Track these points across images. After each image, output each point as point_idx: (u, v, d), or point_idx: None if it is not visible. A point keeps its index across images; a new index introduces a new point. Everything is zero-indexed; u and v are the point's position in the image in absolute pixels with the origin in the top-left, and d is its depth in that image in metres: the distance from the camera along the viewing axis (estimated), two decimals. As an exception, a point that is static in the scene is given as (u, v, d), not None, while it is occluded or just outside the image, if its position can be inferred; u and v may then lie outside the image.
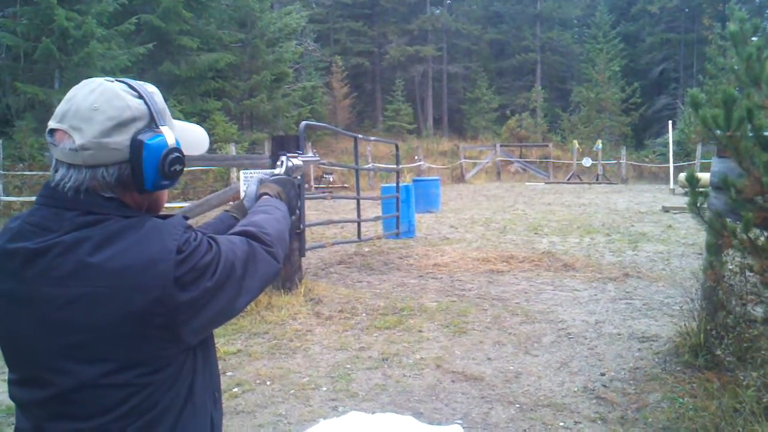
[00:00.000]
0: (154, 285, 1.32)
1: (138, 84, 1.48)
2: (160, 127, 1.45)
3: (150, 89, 1.50)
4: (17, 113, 20.63)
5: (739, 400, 4.03)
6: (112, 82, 1.45)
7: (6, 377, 1.46)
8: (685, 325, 5.38)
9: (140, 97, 1.45)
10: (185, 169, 1.57)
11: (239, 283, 1.48)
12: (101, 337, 1.33)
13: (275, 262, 1.62)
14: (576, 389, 4.79)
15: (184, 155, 1.50)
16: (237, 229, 1.65)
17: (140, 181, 1.42)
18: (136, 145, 1.40)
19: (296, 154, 2.23)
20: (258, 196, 1.96)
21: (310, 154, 2.38)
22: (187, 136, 1.61)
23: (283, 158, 2.15)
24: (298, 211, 2.07)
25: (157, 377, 1.38)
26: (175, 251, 1.35)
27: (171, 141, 1.45)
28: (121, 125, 1.39)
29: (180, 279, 1.34)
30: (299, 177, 2.21)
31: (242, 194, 7.33)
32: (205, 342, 1.54)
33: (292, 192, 2.03)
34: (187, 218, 1.51)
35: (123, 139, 1.39)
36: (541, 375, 5.11)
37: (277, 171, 2.12)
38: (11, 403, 1.45)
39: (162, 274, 1.33)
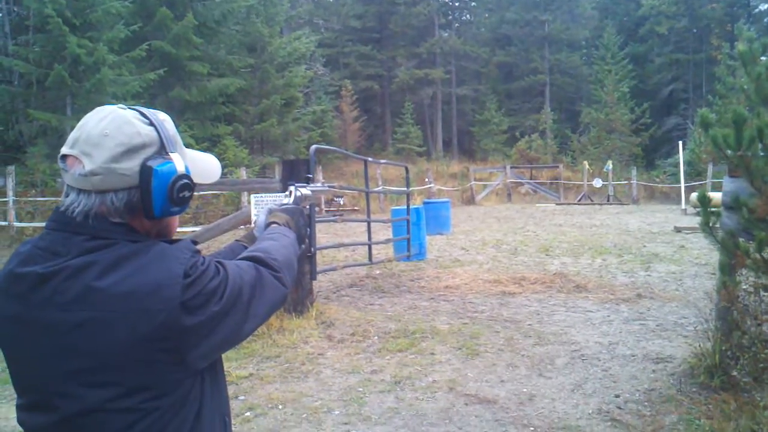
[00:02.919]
0: (161, 309, 1.31)
1: (150, 112, 1.49)
2: (170, 153, 1.45)
3: (161, 117, 1.51)
4: (30, 140, 20.85)
5: (756, 422, 3.99)
6: (124, 109, 1.46)
7: (15, 402, 1.46)
8: (699, 345, 5.34)
9: (151, 124, 1.46)
10: (197, 193, 1.58)
11: (246, 308, 1.47)
12: (107, 362, 1.32)
13: (283, 288, 1.61)
14: (590, 411, 4.75)
15: (193, 182, 1.49)
16: (245, 254, 1.65)
17: (149, 206, 1.42)
18: (145, 171, 1.40)
19: (305, 184, 2.24)
20: (267, 225, 1.96)
21: (320, 183, 2.38)
22: (199, 164, 1.62)
23: (292, 188, 2.17)
24: (307, 240, 2.08)
25: (163, 402, 1.37)
26: (182, 275, 1.35)
27: (180, 167, 1.46)
28: (130, 151, 1.40)
29: (187, 303, 1.33)
30: (308, 206, 2.24)
31: (253, 218, 7.30)
32: (213, 366, 1.53)
33: (301, 221, 2.03)
34: (195, 243, 1.51)
35: (132, 165, 1.40)
36: (555, 397, 5.07)
37: (285, 201, 2.13)
38: (21, 429, 1.44)
39: (168, 299, 1.32)
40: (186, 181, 1.46)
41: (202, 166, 1.65)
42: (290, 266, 1.71)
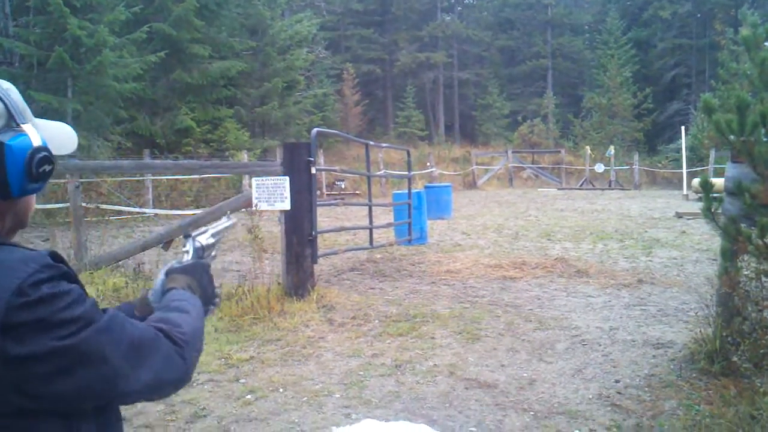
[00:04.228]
0: None
1: None
2: (21, 125, 1.29)
3: (6, 86, 1.32)
4: (30, 121, 20.77)
5: (756, 407, 4.00)
6: None
7: None
8: (700, 331, 5.34)
9: None
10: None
11: (124, 364, 1.25)
12: None
13: (183, 365, 1.38)
14: (590, 396, 4.76)
15: (52, 154, 1.33)
16: (146, 323, 1.42)
17: (4, 186, 1.25)
18: None
19: (204, 230, 1.87)
20: (165, 290, 1.66)
21: (224, 219, 2.01)
22: (54, 135, 1.42)
23: (188, 242, 1.80)
24: (217, 300, 1.78)
25: None
26: (14, 292, 1.13)
27: (36, 140, 1.29)
28: None
29: (14, 327, 1.12)
30: (213, 254, 1.87)
31: (254, 201, 7.07)
32: (101, 418, 1.33)
33: (205, 279, 1.73)
34: (59, 259, 1.27)
35: None
36: (555, 382, 5.08)
37: (185, 258, 1.77)
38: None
39: None
40: (45, 153, 1.30)
41: (58, 136, 1.45)
42: (196, 344, 1.47)
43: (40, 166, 1.28)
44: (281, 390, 4.98)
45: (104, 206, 14.85)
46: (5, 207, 1.30)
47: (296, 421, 4.41)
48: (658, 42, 49.46)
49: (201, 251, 1.79)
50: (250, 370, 5.46)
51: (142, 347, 1.28)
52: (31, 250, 1.27)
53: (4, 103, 1.27)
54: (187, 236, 1.78)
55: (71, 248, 8.99)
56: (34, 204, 1.41)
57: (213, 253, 1.85)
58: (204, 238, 1.81)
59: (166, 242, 8.31)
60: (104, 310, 1.29)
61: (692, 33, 48.75)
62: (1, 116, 1.26)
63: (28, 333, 1.13)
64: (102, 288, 7.74)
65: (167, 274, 1.69)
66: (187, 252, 1.77)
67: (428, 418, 4.36)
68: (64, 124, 1.52)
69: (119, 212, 16.61)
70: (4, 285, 1.13)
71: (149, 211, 17.28)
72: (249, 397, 4.86)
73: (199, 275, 1.70)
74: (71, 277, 1.25)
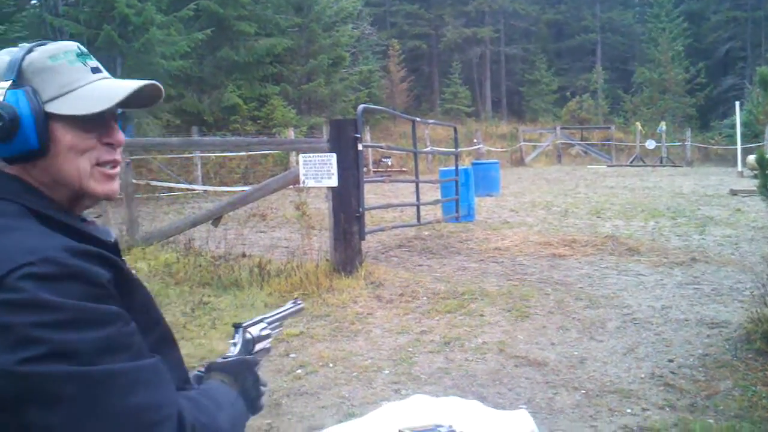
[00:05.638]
0: None
1: (49, 42, 1.26)
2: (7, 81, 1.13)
3: (46, 48, 1.24)
4: (81, 100, 21.20)
5: (816, 389, 3.91)
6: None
7: None
8: (756, 311, 5.23)
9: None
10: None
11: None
12: None
13: None
14: (643, 375, 4.70)
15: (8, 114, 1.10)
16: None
17: None
18: None
19: (258, 319, 1.57)
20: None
21: (290, 303, 1.74)
22: (86, 92, 1.27)
23: (237, 333, 1.50)
24: (260, 407, 1.45)
25: None
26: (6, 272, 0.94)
27: None
28: None
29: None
30: (267, 347, 1.56)
31: (301, 177, 7.04)
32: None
33: (249, 380, 1.41)
34: (80, 253, 1.03)
35: None
36: (607, 361, 5.02)
37: (231, 351, 1.48)
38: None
39: None
40: None
41: (87, 93, 1.28)
42: None
43: None
44: (331, 365, 5.02)
45: (155, 183, 15.06)
46: (40, 168, 1.15)
47: (346, 396, 4.45)
48: (711, 15, 48.19)
49: (251, 344, 1.51)
50: (300, 345, 5.51)
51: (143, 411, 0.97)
52: (68, 231, 1.10)
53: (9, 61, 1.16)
54: (236, 326, 1.51)
55: (123, 224, 9.16)
56: (77, 169, 1.17)
57: (267, 345, 1.56)
58: (257, 329, 1.54)
59: (215, 218, 8.40)
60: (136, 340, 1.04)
61: (747, 5, 47.30)
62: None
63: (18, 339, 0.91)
64: (154, 263, 7.88)
65: (207, 370, 1.39)
66: (235, 344, 1.49)
67: (478, 395, 4.35)
68: (124, 81, 1.32)
69: (170, 189, 16.86)
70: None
71: (198, 187, 17.50)
72: (299, 371, 4.90)
73: (242, 375, 1.39)
74: (89, 281, 1.00)
